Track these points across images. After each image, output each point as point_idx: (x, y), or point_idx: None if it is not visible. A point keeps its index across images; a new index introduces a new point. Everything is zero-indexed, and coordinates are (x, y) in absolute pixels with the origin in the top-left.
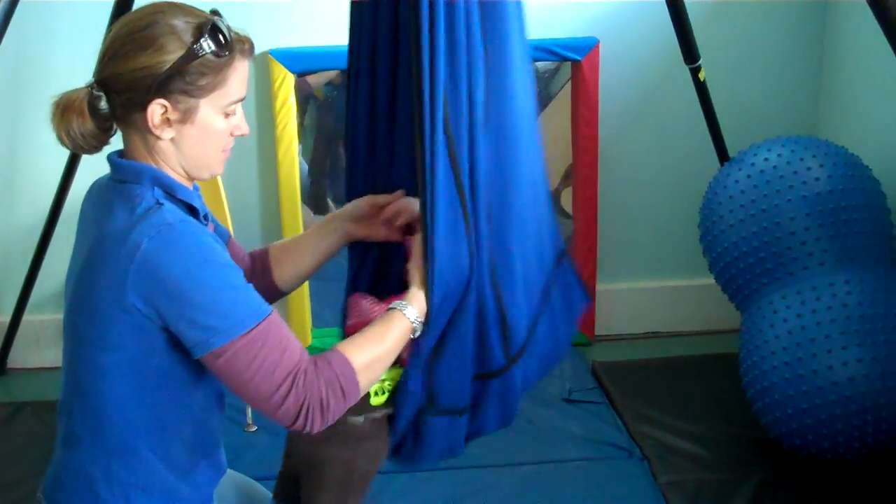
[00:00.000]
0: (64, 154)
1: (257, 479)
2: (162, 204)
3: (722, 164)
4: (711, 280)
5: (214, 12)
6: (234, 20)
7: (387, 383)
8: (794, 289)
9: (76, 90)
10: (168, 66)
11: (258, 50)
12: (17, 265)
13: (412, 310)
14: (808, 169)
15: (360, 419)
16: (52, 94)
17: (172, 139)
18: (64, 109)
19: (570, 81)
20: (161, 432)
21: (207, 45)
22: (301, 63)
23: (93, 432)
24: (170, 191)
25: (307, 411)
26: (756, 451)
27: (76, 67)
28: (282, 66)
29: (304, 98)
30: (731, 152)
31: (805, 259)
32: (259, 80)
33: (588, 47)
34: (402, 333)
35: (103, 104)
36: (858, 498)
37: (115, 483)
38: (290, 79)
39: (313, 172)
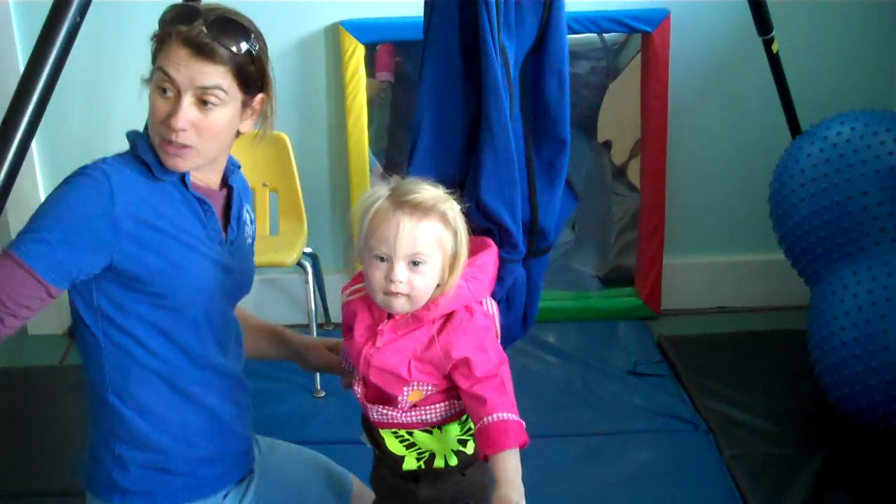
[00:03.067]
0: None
1: (325, 444)
2: (105, 159)
3: (794, 138)
4: (779, 255)
5: None
6: None
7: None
8: (865, 264)
9: None
10: None
11: (329, 21)
12: None
13: None
14: (882, 143)
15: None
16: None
17: None
18: None
19: (639, 53)
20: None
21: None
22: (371, 34)
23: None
24: (133, 149)
25: None
26: (823, 426)
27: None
28: (352, 37)
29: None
30: (803, 125)
31: (877, 234)
32: (330, 50)
33: (659, 19)
34: None
35: None
36: None
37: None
38: (361, 50)
39: (381, 150)
